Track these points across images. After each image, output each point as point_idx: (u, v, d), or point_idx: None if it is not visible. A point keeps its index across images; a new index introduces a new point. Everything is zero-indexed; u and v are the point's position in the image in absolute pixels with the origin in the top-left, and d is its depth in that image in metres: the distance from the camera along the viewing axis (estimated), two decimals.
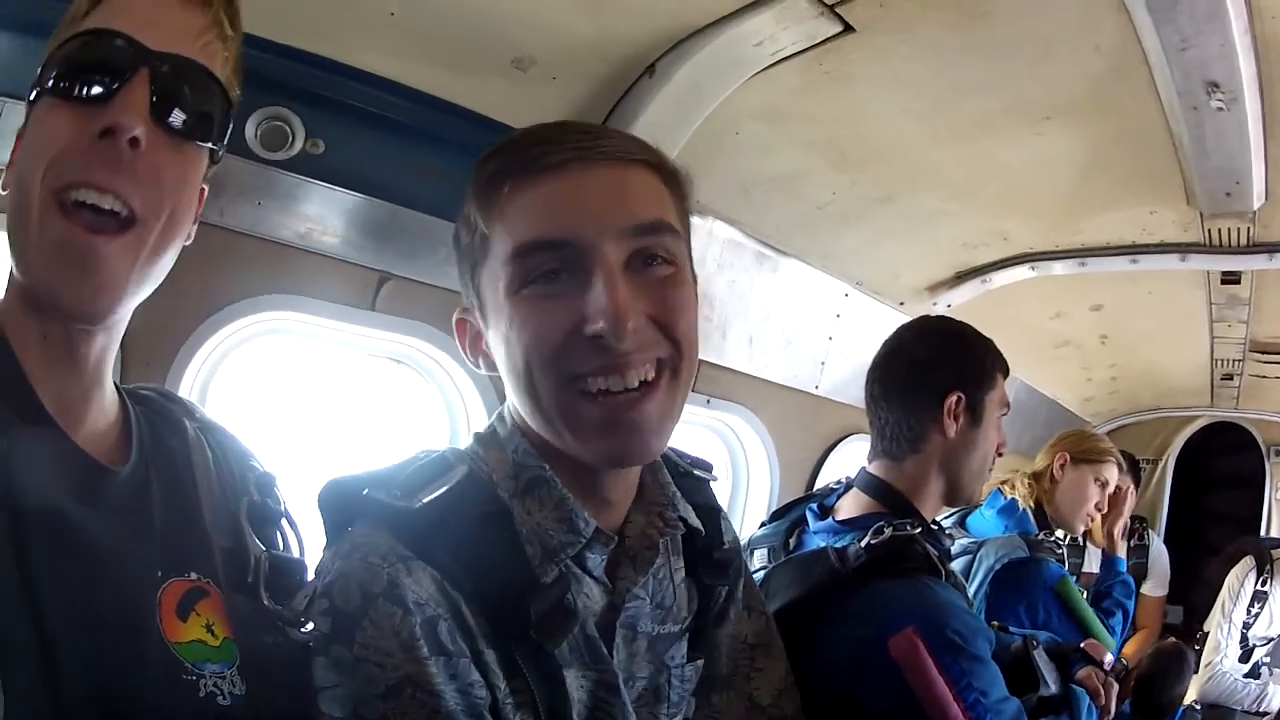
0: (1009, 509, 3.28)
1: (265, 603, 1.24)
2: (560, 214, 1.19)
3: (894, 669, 1.74)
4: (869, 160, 2.76)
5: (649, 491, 1.40)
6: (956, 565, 2.87)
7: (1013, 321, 3.94)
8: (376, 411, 2.74)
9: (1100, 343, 4.85)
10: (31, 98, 1.11)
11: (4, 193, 1.12)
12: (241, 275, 2.17)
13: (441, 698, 1.10)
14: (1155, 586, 5.12)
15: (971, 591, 2.85)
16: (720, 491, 3.09)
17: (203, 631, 1.15)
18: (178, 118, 1.10)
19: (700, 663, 1.49)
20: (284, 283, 2.23)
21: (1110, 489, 3.59)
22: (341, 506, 1.23)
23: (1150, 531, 5.20)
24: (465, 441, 1.41)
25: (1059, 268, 3.59)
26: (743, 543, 2.16)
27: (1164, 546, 5.25)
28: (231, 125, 1.20)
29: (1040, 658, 2.10)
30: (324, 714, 1.12)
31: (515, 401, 1.29)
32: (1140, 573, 4.93)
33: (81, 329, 1.11)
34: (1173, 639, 3.42)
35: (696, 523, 1.46)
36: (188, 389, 2.13)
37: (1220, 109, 2.36)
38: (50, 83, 1.08)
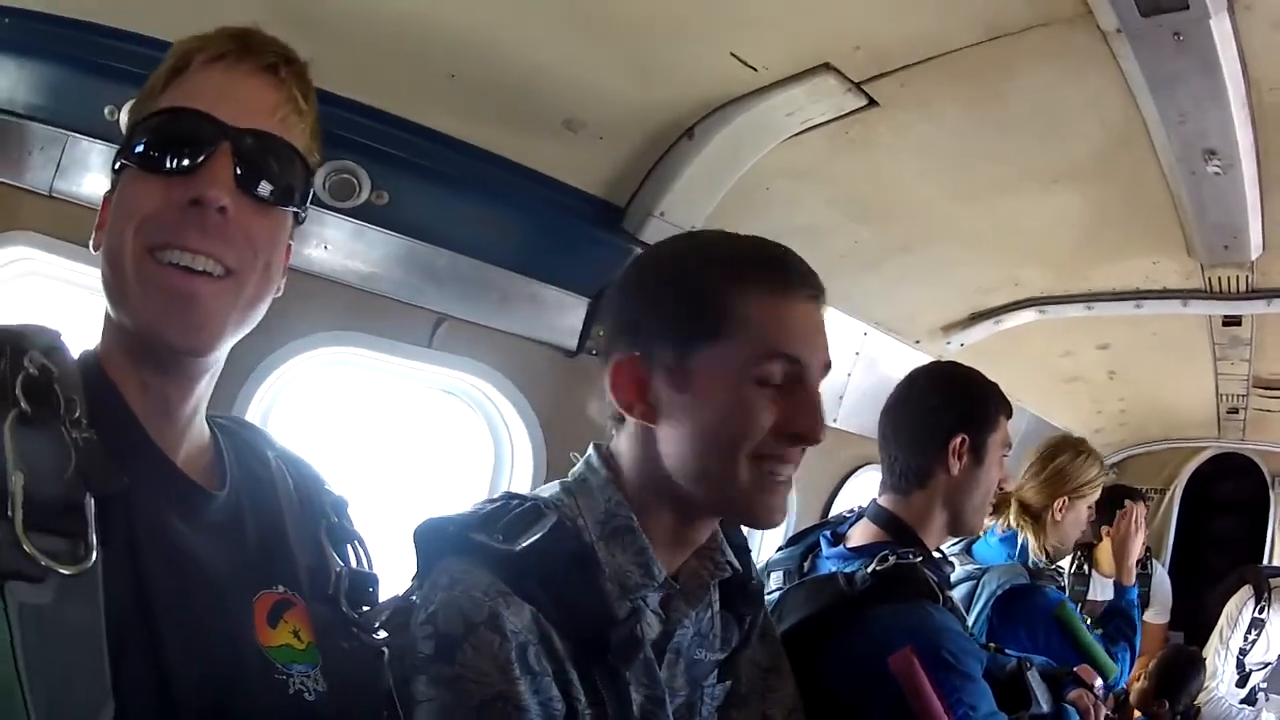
0: (1011, 538, 3.27)
1: (344, 610, 1.34)
2: (797, 334, 1.42)
3: (893, 684, 1.85)
4: (889, 215, 2.88)
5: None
6: (960, 590, 2.99)
7: (1024, 358, 4.08)
8: (430, 440, 2.86)
9: (1109, 378, 4.92)
10: (116, 167, 1.19)
11: (94, 252, 1.20)
12: (305, 312, 2.28)
13: (526, 711, 1.28)
14: (1157, 614, 5.13)
15: (974, 616, 2.94)
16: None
17: (290, 637, 1.24)
18: (263, 187, 1.18)
19: (728, 684, 1.66)
20: (347, 320, 2.37)
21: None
22: (437, 544, 1.42)
23: (1154, 560, 5.20)
24: (508, 470, 1.57)
25: (1068, 311, 3.68)
26: (761, 565, 2.34)
27: (1166, 575, 5.27)
28: (312, 188, 1.29)
29: (1033, 678, 2.21)
30: None
31: (687, 463, 1.45)
32: (1143, 600, 4.79)
33: (178, 376, 1.19)
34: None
35: (736, 564, 1.64)
36: (253, 417, 2.22)
37: (1217, 174, 2.47)
38: (136, 155, 1.15)
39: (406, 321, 2.45)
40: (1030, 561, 3.17)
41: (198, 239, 1.12)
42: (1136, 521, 3.73)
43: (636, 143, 2.40)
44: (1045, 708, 2.19)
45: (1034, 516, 3.29)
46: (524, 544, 1.38)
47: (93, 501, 1.02)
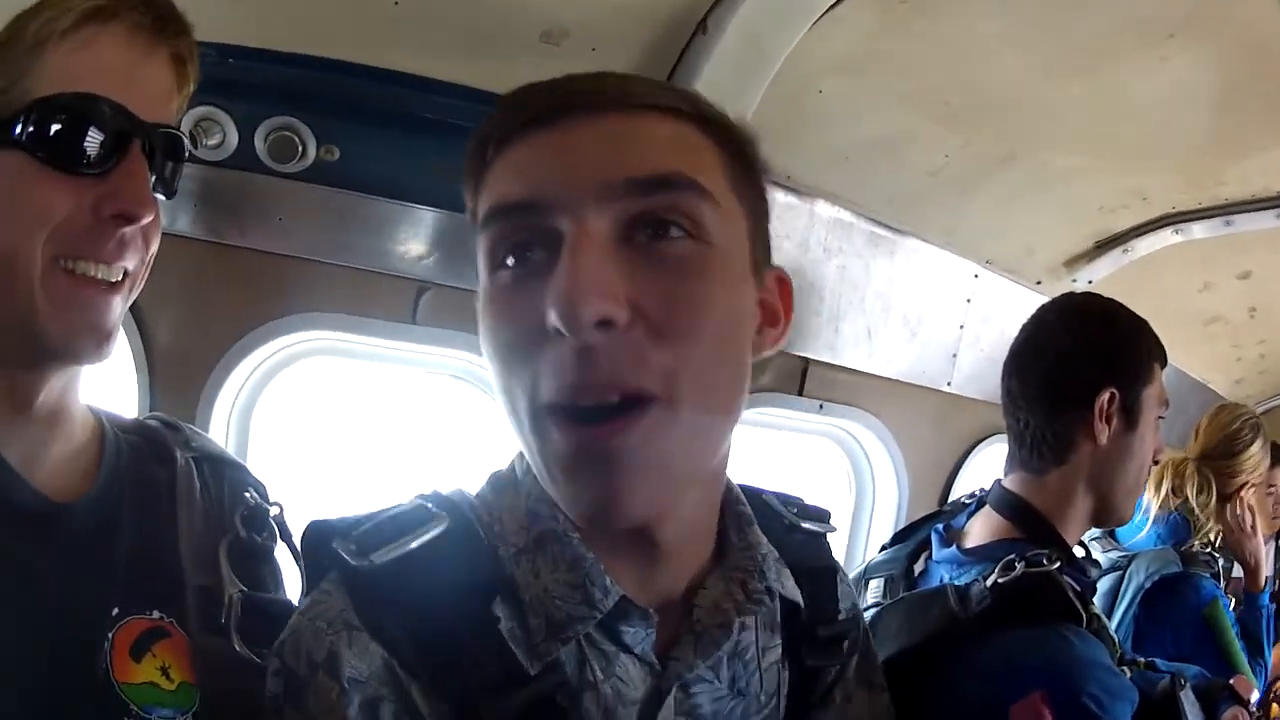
0: (1174, 524, 3.06)
1: (236, 646, 1.19)
2: (534, 170, 0.92)
3: None
4: (980, 111, 2.49)
5: (733, 553, 1.12)
6: (1105, 584, 2.86)
7: (1159, 297, 3.62)
8: (438, 431, 2.63)
9: (1249, 316, 4.47)
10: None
11: None
12: (268, 295, 2.11)
13: None
14: None
15: (1120, 614, 2.81)
16: (840, 510, 2.80)
17: (156, 674, 1.14)
18: (165, 186, 1.17)
19: None
20: (316, 300, 2.13)
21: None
22: (314, 556, 1.03)
23: None
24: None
25: (1203, 229, 3.28)
26: (860, 570, 2.00)
27: None
28: None
29: (1187, 699, 1.83)
30: None
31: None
32: None
33: (31, 376, 1.13)
34: None
35: (795, 595, 1.16)
36: (223, 416, 2.13)
37: None
38: (29, 140, 1.07)
39: (384, 294, 2.20)
40: (1185, 544, 2.99)
41: (114, 252, 1.10)
42: (1248, 507, 3.29)
43: (638, 49, 2.05)
44: None
45: (1220, 499, 3.14)
46: (379, 560, 0.96)
47: None
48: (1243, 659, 2.76)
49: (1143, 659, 2.02)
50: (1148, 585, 2.78)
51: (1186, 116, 2.65)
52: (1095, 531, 2.84)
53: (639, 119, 0.93)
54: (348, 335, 2.20)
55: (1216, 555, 3.08)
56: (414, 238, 2.13)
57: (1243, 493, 3.21)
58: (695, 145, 0.95)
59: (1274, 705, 3.86)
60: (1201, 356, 4.78)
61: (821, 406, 3.07)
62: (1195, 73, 2.41)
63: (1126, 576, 2.83)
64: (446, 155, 1.98)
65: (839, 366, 3.02)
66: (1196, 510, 3.04)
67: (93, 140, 1.08)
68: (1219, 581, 2.96)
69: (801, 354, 2.90)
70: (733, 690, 1.08)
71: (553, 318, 0.85)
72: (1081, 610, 1.62)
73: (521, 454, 1.05)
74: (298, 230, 2.04)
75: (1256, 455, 3.26)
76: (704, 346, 0.90)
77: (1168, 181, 3.10)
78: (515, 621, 0.96)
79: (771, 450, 3.17)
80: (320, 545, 1.00)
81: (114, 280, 1.11)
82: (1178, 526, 3.02)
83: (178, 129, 1.18)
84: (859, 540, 3.39)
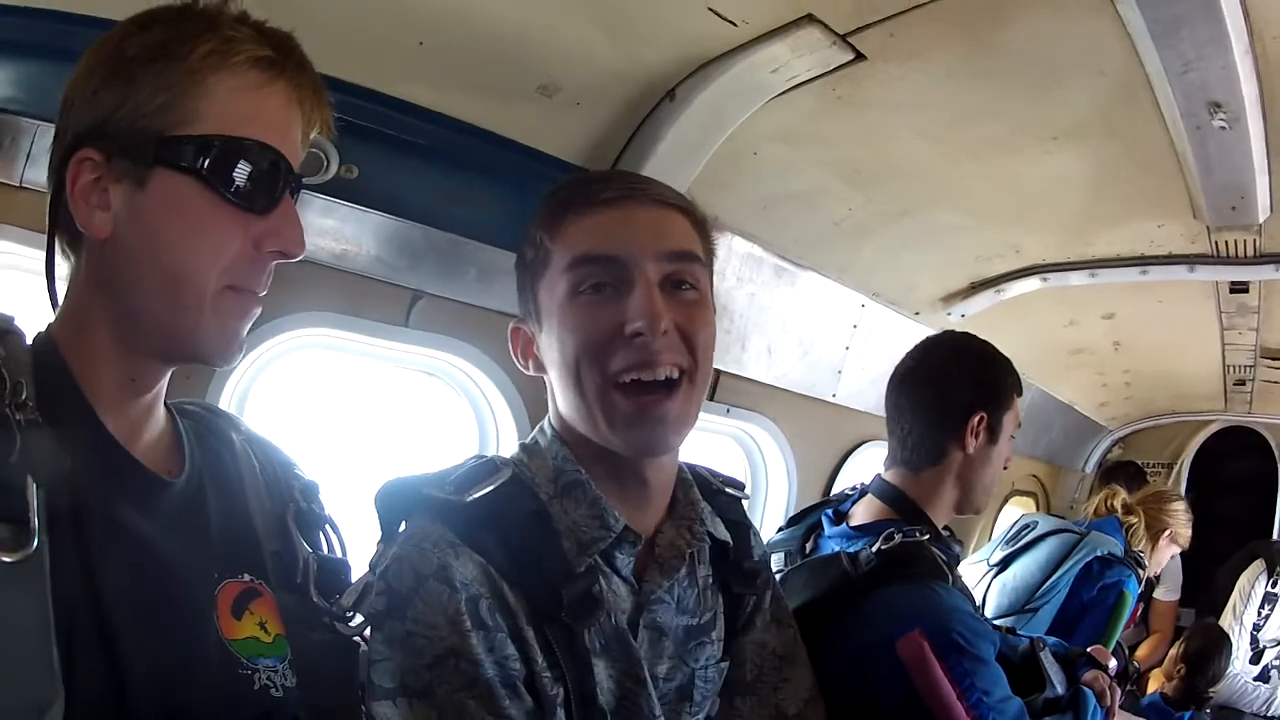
0: (1115, 524, 3.58)
1: (314, 600, 1.33)
2: (612, 236, 1.42)
3: (901, 669, 1.81)
4: (884, 178, 2.80)
5: (680, 506, 1.59)
6: (1061, 539, 3.33)
7: (1027, 330, 4.02)
8: (412, 423, 2.83)
9: (1114, 349, 4.88)
10: (139, 158, 1.15)
11: (92, 235, 1.17)
12: (276, 293, 2.03)
13: (481, 666, 1.26)
14: (1168, 591, 5.23)
15: (1068, 565, 3.22)
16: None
17: (256, 629, 1.24)
18: None
19: (725, 665, 1.60)
20: (320, 300, 2.30)
21: None
22: (398, 504, 1.41)
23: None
24: (496, 450, 1.55)
25: (1071, 279, 3.62)
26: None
27: None
28: None
29: (1047, 659, 2.18)
30: (375, 685, 1.27)
31: (560, 396, 1.49)
32: (1153, 578, 4.98)
33: (159, 363, 1.22)
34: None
35: (725, 536, 1.62)
36: (227, 402, 2.21)
37: (1223, 128, 2.39)
38: (198, 171, 1.14)
39: (381, 300, 2.39)
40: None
41: (264, 282, 1.23)
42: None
43: (615, 107, 2.32)
44: (1060, 690, 2.15)
45: (1148, 527, 3.83)
46: (474, 496, 1.38)
47: (35, 486, 0.99)
48: (1114, 639, 3.09)
49: (1004, 625, 2.39)
50: (1100, 553, 3.22)
51: (1062, 196, 2.99)
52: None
53: (669, 212, 1.49)
54: (345, 333, 2.37)
55: (1144, 565, 3.57)
56: (413, 251, 2.33)
57: (1163, 537, 3.88)
58: (693, 233, 1.51)
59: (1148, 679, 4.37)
60: (1068, 382, 5.21)
61: (729, 410, 3.40)
62: (1073, 165, 2.74)
63: (1082, 541, 3.26)
64: (448, 181, 2.28)
65: (744, 377, 3.33)
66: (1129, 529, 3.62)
67: (264, 184, 1.17)
68: (1140, 583, 3.40)
69: (714, 366, 3.13)
70: (679, 608, 1.52)
71: (639, 325, 1.37)
72: (948, 573, 1.96)
73: (542, 429, 1.55)
74: (310, 236, 1.98)
75: (1181, 512, 4.00)
76: (702, 353, 1.45)
77: (1041, 240, 3.43)
78: (555, 542, 1.41)
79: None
80: (404, 494, 1.41)
81: (257, 299, 1.22)
82: (1118, 526, 3.54)
83: (303, 178, 1.29)
84: (755, 522, 3.63)
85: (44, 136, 1.83)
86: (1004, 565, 3.36)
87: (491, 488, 1.40)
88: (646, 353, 1.38)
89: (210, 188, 1.15)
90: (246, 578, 1.26)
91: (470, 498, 1.37)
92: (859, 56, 2.14)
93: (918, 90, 2.32)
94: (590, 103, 2.29)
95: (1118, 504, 3.76)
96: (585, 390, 1.42)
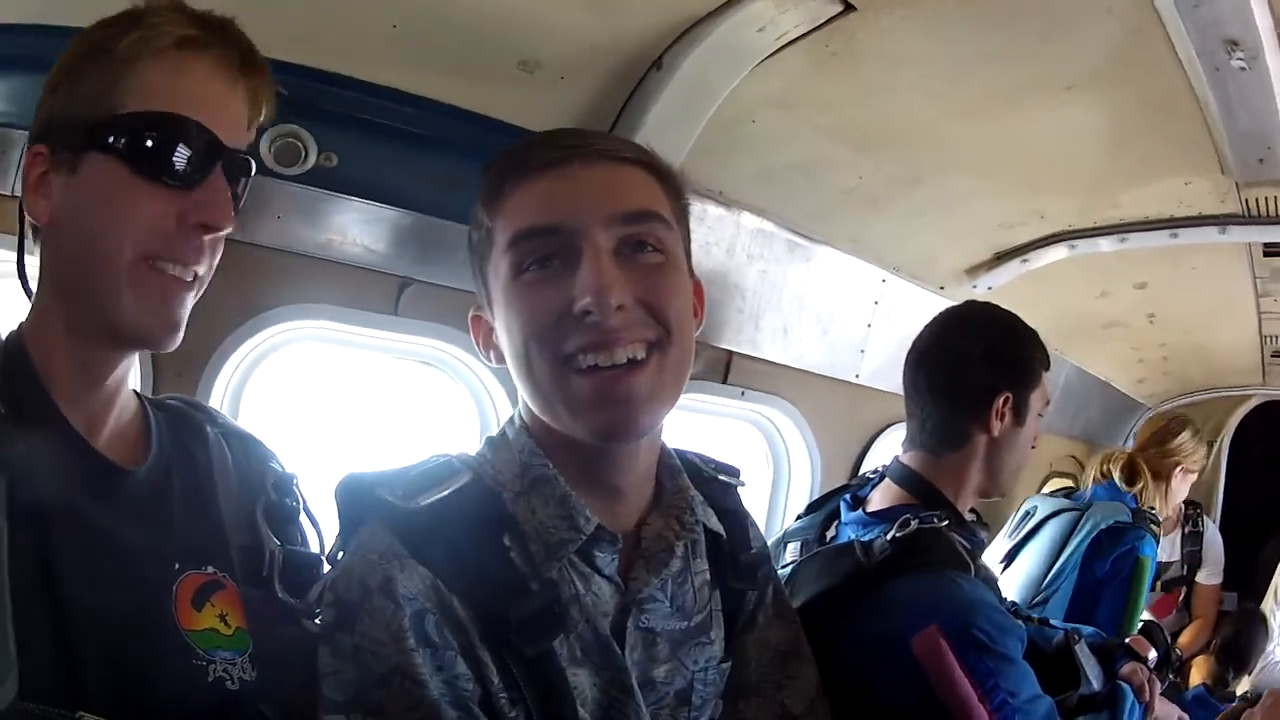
0: (1113, 486, 3.58)
1: (279, 595, 1.34)
2: (552, 204, 1.28)
3: (916, 667, 1.72)
4: (891, 142, 2.71)
5: (667, 495, 1.46)
6: (1063, 519, 3.24)
7: (1058, 302, 3.92)
8: (411, 413, 2.79)
9: (1149, 322, 4.72)
10: (91, 148, 1.20)
11: (40, 223, 1.24)
12: (265, 287, 2.22)
13: (425, 687, 1.16)
14: (1210, 575, 4.99)
15: (1073, 547, 3.12)
16: (761, 485, 3.05)
17: (216, 621, 1.25)
18: (235, 202, 1.27)
19: (726, 666, 1.50)
20: (308, 292, 2.28)
21: None
22: (354, 502, 1.30)
23: (1205, 518, 5.05)
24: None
25: (1099, 245, 3.48)
26: (779, 536, 2.23)
27: (1218, 533, 5.12)
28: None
29: (1082, 652, 2.08)
30: (326, 699, 1.19)
31: (518, 385, 1.36)
32: (1195, 561, 4.88)
33: (109, 351, 1.25)
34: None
35: (717, 526, 1.51)
36: (219, 397, 2.22)
37: (1242, 68, 2.26)
38: (122, 151, 1.19)
39: (370, 289, 2.35)
40: (1133, 505, 3.42)
41: (194, 256, 1.23)
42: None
43: (601, 80, 2.25)
44: (1096, 685, 2.06)
45: (1154, 477, 3.81)
46: (423, 503, 1.28)
47: None
48: (1136, 616, 3.03)
49: (1037, 616, 2.28)
50: (1103, 525, 3.13)
51: (1082, 152, 2.86)
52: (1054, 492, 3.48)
53: (621, 168, 1.34)
54: (335, 324, 2.35)
55: (1158, 520, 3.46)
56: (399, 238, 2.29)
57: (1175, 474, 3.82)
58: (654, 188, 1.36)
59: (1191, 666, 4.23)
60: (1102, 357, 5.03)
61: (743, 394, 3.29)
62: (1090, 118, 2.62)
63: (1085, 517, 3.16)
64: (432, 165, 2.24)
65: (758, 359, 3.23)
66: (1133, 491, 3.55)
67: (181, 156, 1.19)
68: (1157, 540, 3.30)
69: (726, 346, 3.10)
70: (673, 607, 1.41)
71: (586, 303, 1.23)
72: (970, 561, 1.86)
73: (510, 420, 1.44)
74: (294, 228, 2.16)
75: (1185, 441, 3.93)
76: (674, 322, 1.30)
77: (1064, 204, 3.30)
78: (520, 549, 1.29)
79: (698, 435, 3.32)
80: (360, 494, 1.30)
81: (189, 279, 1.23)
82: (1126, 496, 3.48)
83: (249, 154, 1.29)
84: (777, 511, 3.61)
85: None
86: (1010, 558, 3.28)
87: (445, 493, 1.30)
88: (600, 333, 1.25)
89: (130, 166, 1.18)
90: (210, 570, 1.28)
91: (418, 504, 1.27)
92: (848, 8, 2.05)
93: (913, 41, 2.22)
94: (574, 77, 2.23)
95: (1114, 469, 3.69)
96: (538, 377, 1.30)
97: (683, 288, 1.36)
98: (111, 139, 1.19)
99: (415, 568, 1.21)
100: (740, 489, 1.68)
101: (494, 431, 1.43)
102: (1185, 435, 4.03)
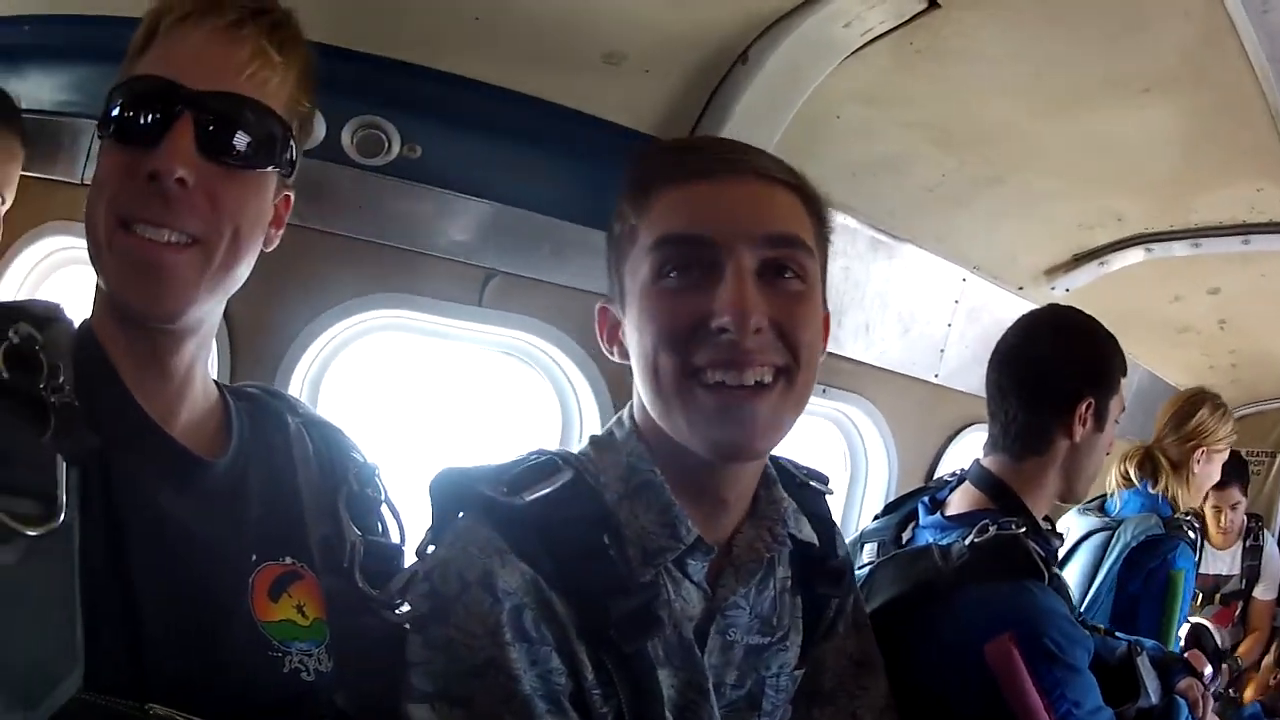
0: (1145, 490, 3.30)
1: (360, 585, 1.33)
2: (703, 213, 1.27)
3: (988, 675, 1.71)
4: (973, 140, 2.69)
5: (761, 506, 1.45)
6: (1095, 540, 3.13)
7: (1133, 306, 3.86)
8: (493, 404, 2.78)
9: (1219, 328, 4.62)
10: (98, 135, 1.21)
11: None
12: (346, 277, 2.23)
13: (519, 681, 1.16)
14: (1266, 590, 4.84)
15: (1107, 566, 3.04)
16: (838, 484, 3.02)
17: (293, 612, 1.24)
18: (228, 150, 1.18)
19: (800, 673, 1.50)
20: (390, 282, 2.29)
21: None
22: (451, 496, 1.31)
23: (1265, 531, 4.88)
24: (578, 433, 1.45)
25: (1174, 249, 3.44)
26: (855, 536, 2.23)
27: (1276, 547, 4.95)
28: (295, 144, 1.28)
29: (1143, 665, 2.07)
30: (414, 688, 1.19)
31: (639, 388, 1.35)
32: (1254, 575, 4.73)
33: (164, 338, 1.21)
34: None
35: (810, 535, 1.50)
36: (298, 386, 2.23)
37: None
38: (107, 125, 1.18)
39: (453, 279, 2.35)
40: (1168, 513, 3.21)
41: (160, 212, 1.14)
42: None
43: (686, 73, 2.24)
44: (1154, 699, 2.05)
45: (1175, 470, 3.39)
46: (528, 499, 1.27)
47: (64, 463, 1.03)
48: (1173, 629, 2.94)
49: (1103, 626, 2.26)
50: (1134, 543, 3.00)
51: (1158, 154, 2.83)
52: (1090, 505, 3.25)
53: (772, 188, 1.31)
54: (417, 314, 2.35)
55: (1195, 527, 3.32)
56: (483, 229, 2.29)
57: (1196, 458, 3.45)
58: (801, 213, 1.33)
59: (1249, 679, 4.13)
60: (1174, 362, 4.93)
61: (825, 390, 3.26)
62: (1167, 120, 2.58)
63: (1116, 535, 3.05)
64: (515, 156, 2.27)
65: (840, 356, 3.19)
66: (1157, 489, 3.29)
67: (145, 115, 1.15)
68: (1195, 548, 3.19)
69: None
70: (753, 614, 1.41)
71: (725, 321, 1.22)
72: (1044, 570, 1.83)
73: (620, 421, 1.42)
74: (376, 218, 2.18)
75: (1204, 419, 3.51)
76: (804, 351, 1.28)
77: (1140, 206, 3.26)
78: (617, 549, 1.28)
79: None
80: (458, 488, 1.30)
81: (166, 241, 1.14)
82: (1157, 497, 3.27)
83: (247, 95, 1.19)
84: (853, 510, 3.59)
85: None
86: None
87: (549, 490, 1.29)
88: (734, 352, 1.23)
89: (113, 137, 1.17)
90: (288, 560, 1.27)
91: (523, 500, 1.26)
92: (933, 4, 2.04)
93: (996, 39, 2.20)
94: (659, 70, 2.23)
95: (1131, 470, 3.40)
96: (663, 384, 1.28)
97: (816, 318, 1.34)
98: (106, 117, 1.18)
99: (515, 563, 1.21)
100: (829, 497, 1.66)
101: (575, 425, 1.44)
102: (1203, 412, 3.55)
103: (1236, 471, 4.31)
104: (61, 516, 1.00)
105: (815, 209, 1.36)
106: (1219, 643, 3.80)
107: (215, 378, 1.38)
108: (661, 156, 1.37)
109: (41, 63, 2.06)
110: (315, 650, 1.24)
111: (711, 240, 1.25)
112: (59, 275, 2.27)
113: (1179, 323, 4.51)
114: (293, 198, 1.34)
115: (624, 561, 1.28)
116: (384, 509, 1.46)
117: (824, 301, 1.38)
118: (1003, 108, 2.52)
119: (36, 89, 2.07)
